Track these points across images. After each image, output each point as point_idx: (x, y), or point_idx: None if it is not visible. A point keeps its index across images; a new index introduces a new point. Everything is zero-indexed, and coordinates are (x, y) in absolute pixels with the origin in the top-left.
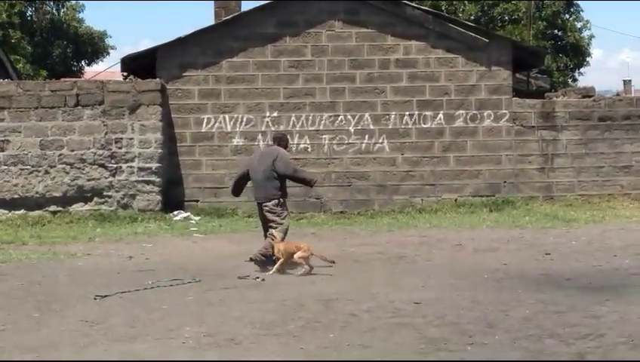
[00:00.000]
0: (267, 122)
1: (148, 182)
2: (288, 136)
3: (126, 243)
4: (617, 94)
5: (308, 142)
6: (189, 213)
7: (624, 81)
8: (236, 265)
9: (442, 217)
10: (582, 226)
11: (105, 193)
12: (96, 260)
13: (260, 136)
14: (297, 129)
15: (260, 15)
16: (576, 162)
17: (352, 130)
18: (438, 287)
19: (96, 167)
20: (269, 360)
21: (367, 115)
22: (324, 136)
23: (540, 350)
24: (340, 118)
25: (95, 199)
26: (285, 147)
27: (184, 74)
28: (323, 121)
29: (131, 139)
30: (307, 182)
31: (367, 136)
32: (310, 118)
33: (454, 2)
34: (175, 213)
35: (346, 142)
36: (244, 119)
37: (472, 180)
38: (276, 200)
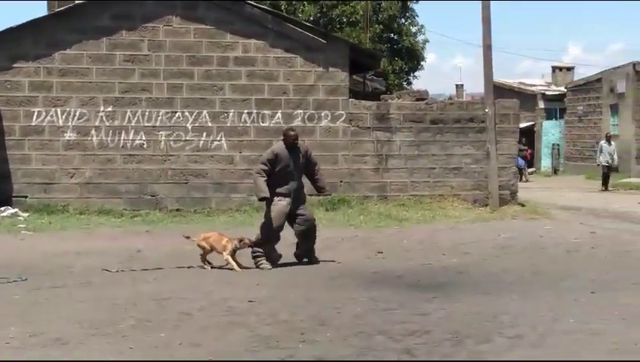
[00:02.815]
0: (101, 117)
1: None
2: (124, 132)
3: None
4: (450, 98)
5: (144, 138)
6: (16, 209)
7: (457, 85)
8: (66, 264)
9: None
10: (413, 226)
11: None
12: None
13: (93, 131)
14: (133, 124)
15: (95, 7)
16: (409, 163)
17: (190, 127)
18: (273, 286)
19: None
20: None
21: (205, 112)
22: (160, 132)
23: (369, 347)
24: (177, 115)
25: None
26: (286, 142)
27: (14, 65)
28: (160, 117)
29: None
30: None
31: (204, 134)
32: (146, 113)
33: (294, 2)
34: (2, 208)
35: (184, 139)
36: (77, 113)
37: None
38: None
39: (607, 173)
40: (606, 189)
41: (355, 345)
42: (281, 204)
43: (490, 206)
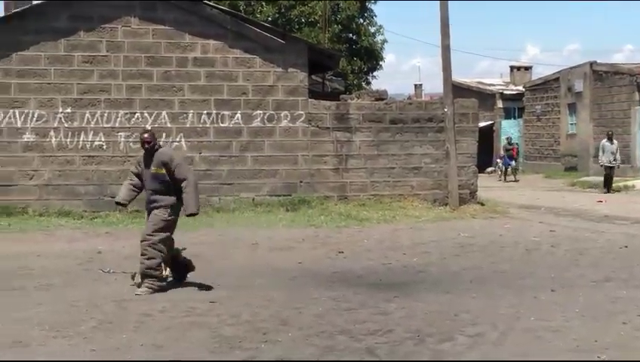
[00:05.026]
0: (60, 118)
1: None
2: (84, 133)
3: None
4: (409, 98)
5: (103, 139)
6: None
7: (416, 85)
8: (25, 266)
9: (239, 216)
10: (374, 225)
11: None
12: None
13: (52, 133)
14: (92, 126)
15: (52, 8)
16: (368, 163)
17: (149, 128)
18: (234, 286)
19: None
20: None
21: (164, 112)
22: (119, 133)
23: (331, 346)
24: (136, 116)
25: None
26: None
27: None
28: (119, 118)
29: None
30: None
31: (164, 135)
32: (105, 114)
33: (252, 3)
34: None
35: None
36: (36, 115)
37: (270, 180)
38: None
39: (609, 174)
40: (608, 191)
41: (317, 345)
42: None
43: (449, 205)
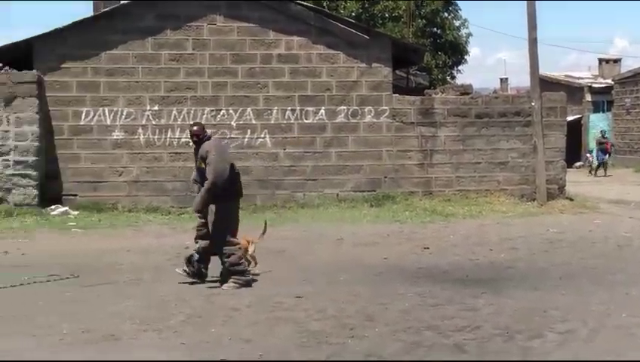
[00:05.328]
0: (148, 116)
1: (24, 176)
2: (170, 130)
3: (1, 238)
4: (494, 92)
5: (189, 136)
6: (67, 208)
7: (501, 79)
8: (115, 261)
9: (324, 212)
10: (460, 221)
11: None
12: None
13: (140, 130)
14: (179, 123)
15: (140, 8)
16: (454, 158)
17: (234, 125)
18: (319, 281)
19: None
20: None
21: (249, 109)
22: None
23: (418, 342)
24: (222, 113)
25: None
26: None
27: (62, 65)
28: (205, 115)
29: (7, 131)
30: None
31: (249, 131)
32: (192, 112)
33: None
34: (53, 207)
35: (228, 136)
36: (124, 112)
37: (354, 175)
38: None
39: None
40: None
41: (404, 341)
42: None
43: (537, 200)
